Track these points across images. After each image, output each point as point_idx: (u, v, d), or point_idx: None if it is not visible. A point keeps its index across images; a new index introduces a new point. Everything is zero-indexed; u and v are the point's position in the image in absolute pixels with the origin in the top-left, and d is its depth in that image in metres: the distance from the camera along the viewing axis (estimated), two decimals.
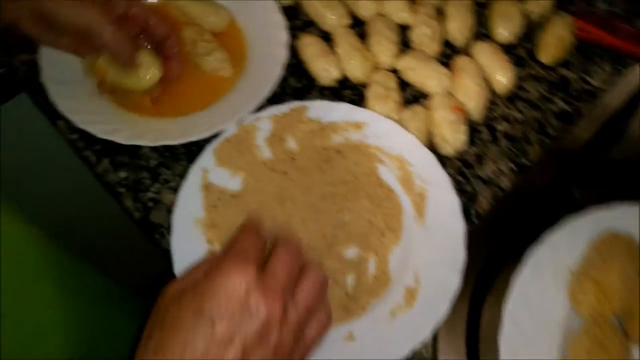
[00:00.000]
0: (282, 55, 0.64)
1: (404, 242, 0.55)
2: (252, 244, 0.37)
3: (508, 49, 0.70)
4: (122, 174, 0.60)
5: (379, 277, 0.53)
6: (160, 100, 0.62)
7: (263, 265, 0.37)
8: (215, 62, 0.63)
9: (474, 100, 0.63)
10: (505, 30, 0.70)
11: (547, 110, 0.67)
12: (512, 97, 0.67)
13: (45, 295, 0.56)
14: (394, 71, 0.67)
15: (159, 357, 0.33)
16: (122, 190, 0.59)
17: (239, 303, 0.34)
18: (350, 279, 0.53)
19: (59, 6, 0.53)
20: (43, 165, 0.83)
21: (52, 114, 0.61)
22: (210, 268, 0.36)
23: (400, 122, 0.61)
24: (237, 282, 0.34)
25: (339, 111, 0.60)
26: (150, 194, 0.59)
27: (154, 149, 0.60)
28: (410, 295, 0.52)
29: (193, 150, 0.61)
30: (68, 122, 0.59)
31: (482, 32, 0.72)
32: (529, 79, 0.68)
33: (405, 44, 0.70)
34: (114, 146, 0.59)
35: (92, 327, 0.59)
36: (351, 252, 0.54)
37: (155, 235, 0.57)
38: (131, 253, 0.93)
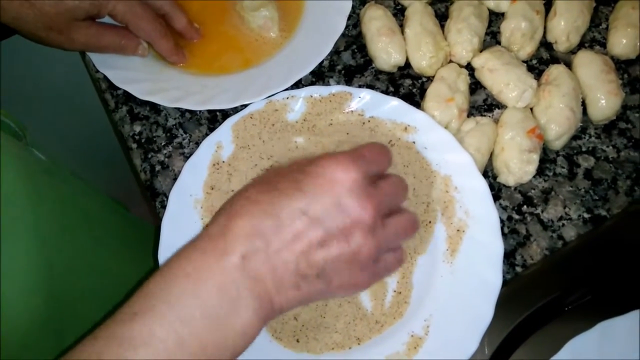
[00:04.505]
0: (339, 26, 0.55)
1: (424, 278, 0.46)
2: (373, 156, 0.37)
3: (622, 66, 0.56)
4: (137, 128, 0.55)
5: (396, 304, 0.46)
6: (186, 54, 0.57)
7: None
8: (261, 19, 0.55)
9: (558, 127, 0.51)
10: (626, 40, 0.55)
11: None
12: (609, 128, 0.54)
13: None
14: (469, 68, 0.55)
15: (252, 207, 0.34)
16: (134, 145, 0.54)
17: (335, 195, 0.34)
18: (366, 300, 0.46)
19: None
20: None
21: None
22: (322, 157, 0.36)
23: (458, 135, 0.51)
24: (342, 175, 0.34)
25: (388, 107, 0.51)
26: (160, 157, 0.53)
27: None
28: (414, 345, 0.44)
29: (217, 116, 0.55)
30: None
31: (593, 37, 0.58)
32: (639, 110, 0.55)
33: (492, 35, 0.58)
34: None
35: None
36: None
37: (156, 204, 0.52)
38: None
